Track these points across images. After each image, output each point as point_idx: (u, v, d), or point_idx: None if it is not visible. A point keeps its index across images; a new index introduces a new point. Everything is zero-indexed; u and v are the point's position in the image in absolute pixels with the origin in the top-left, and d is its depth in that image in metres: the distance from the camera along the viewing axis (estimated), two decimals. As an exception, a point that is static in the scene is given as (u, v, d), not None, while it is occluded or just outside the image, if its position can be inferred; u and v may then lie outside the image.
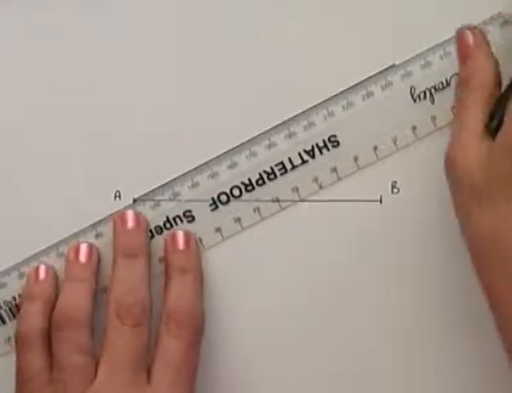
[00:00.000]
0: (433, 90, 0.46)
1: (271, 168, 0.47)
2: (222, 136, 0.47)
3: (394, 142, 0.46)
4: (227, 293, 0.48)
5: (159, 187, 0.47)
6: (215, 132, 0.47)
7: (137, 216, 0.46)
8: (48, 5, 0.48)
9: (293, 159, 0.47)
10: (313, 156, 0.47)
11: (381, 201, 0.47)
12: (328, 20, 0.47)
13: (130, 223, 0.46)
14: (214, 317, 0.47)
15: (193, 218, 0.47)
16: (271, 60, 0.48)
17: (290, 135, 0.47)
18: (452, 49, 0.45)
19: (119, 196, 0.48)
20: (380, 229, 0.47)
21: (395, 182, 0.47)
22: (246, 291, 0.48)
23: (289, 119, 0.47)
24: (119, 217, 0.46)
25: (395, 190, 0.47)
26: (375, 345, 0.47)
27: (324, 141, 0.46)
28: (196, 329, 0.45)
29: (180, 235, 0.46)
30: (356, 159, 0.46)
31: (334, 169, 0.47)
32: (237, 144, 0.47)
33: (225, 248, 0.47)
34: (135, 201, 0.47)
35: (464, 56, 0.45)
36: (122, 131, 0.48)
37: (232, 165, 0.47)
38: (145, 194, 0.47)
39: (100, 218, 0.47)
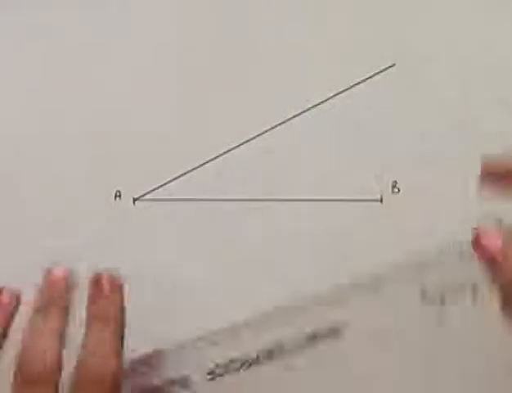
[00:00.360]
0: (445, 294, 0.42)
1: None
2: (222, 136, 0.47)
3: (400, 338, 0.43)
4: (228, 293, 0.48)
5: (159, 186, 0.47)
6: (215, 132, 0.48)
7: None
8: (48, 5, 0.48)
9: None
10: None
11: (381, 201, 0.47)
12: (328, 21, 0.47)
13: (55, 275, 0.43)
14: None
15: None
16: (271, 61, 0.48)
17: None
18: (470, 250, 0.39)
19: (119, 196, 0.48)
20: (380, 229, 0.47)
21: (395, 182, 0.47)
22: (246, 289, 0.47)
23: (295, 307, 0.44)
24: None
25: (395, 190, 0.47)
26: (382, 348, 0.47)
27: (326, 328, 0.43)
28: (106, 389, 0.40)
29: (104, 280, 0.42)
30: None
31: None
32: (236, 144, 0.47)
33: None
34: (135, 200, 0.47)
35: (494, 260, 0.37)
36: (122, 131, 0.48)
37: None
38: (145, 194, 0.47)
39: (100, 218, 0.47)
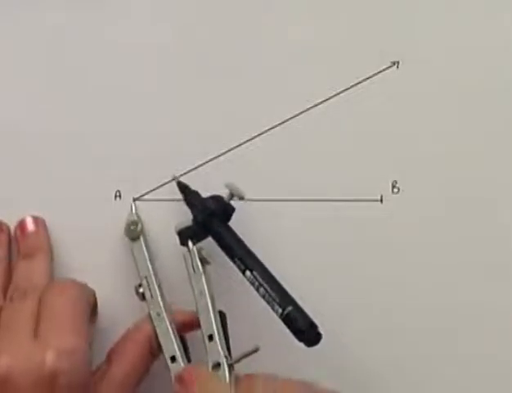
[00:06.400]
0: None
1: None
2: (221, 136, 0.47)
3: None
4: (229, 291, 0.48)
5: (159, 186, 0.47)
6: (215, 132, 0.48)
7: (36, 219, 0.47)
8: (48, 5, 0.48)
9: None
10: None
11: (381, 201, 0.47)
12: (328, 21, 0.47)
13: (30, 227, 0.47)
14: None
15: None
16: (271, 61, 0.48)
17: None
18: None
19: (119, 196, 0.48)
20: (380, 229, 0.47)
21: (395, 181, 0.47)
22: (247, 289, 0.47)
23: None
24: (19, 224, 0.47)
25: (395, 190, 0.47)
26: (378, 347, 0.47)
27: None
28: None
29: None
30: None
31: None
32: (237, 144, 0.47)
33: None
34: (135, 200, 0.47)
35: None
36: (122, 131, 0.48)
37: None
38: (145, 194, 0.47)
39: (100, 218, 0.47)
